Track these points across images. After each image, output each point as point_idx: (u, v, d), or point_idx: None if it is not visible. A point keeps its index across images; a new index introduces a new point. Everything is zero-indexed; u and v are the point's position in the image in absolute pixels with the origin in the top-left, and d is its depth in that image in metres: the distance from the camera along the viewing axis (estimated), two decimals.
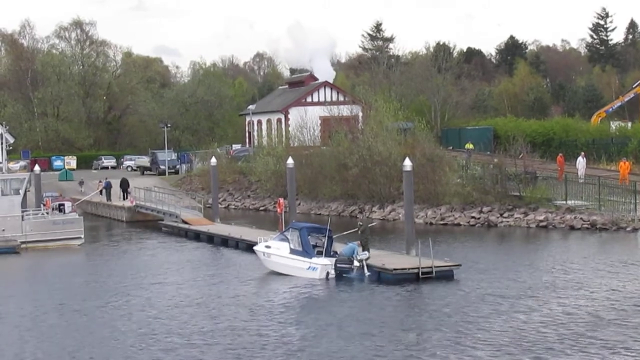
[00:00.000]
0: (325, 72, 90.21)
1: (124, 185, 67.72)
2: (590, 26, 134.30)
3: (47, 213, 50.41)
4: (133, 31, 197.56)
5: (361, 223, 37.78)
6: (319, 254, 34.97)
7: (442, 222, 52.49)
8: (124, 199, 66.73)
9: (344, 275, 34.41)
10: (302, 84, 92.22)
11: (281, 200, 46.43)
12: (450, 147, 72.63)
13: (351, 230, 38.83)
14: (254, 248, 38.15)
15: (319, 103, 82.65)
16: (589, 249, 41.03)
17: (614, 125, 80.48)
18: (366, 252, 35.02)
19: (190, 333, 25.99)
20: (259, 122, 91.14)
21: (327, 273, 34.40)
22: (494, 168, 54.11)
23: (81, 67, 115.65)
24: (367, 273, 34.30)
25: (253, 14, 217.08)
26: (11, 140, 55.81)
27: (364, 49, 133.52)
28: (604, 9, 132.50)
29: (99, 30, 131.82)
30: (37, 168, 60.39)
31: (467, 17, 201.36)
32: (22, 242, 47.20)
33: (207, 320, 27.72)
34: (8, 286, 36.46)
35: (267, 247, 36.90)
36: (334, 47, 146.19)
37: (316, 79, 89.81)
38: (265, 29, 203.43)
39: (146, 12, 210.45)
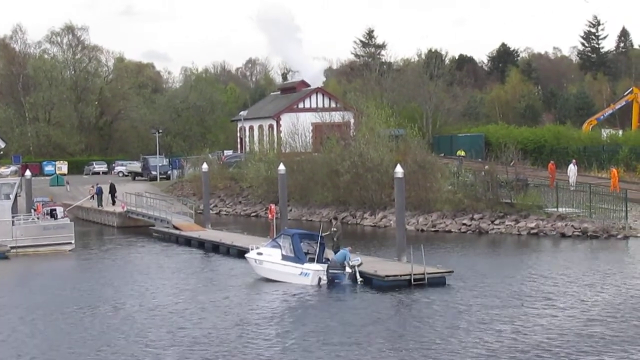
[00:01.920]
0: (297, 59, 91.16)
1: (112, 190, 67.86)
2: (582, 34, 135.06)
3: (38, 218, 50.24)
4: (122, 36, 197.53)
5: (335, 229, 38.74)
6: (311, 260, 34.93)
7: (433, 229, 52.48)
8: (112, 203, 66.78)
9: (336, 281, 34.38)
10: (293, 90, 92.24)
11: (272, 206, 46.33)
12: (442, 154, 72.77)
13: (326, 233, 38.56)
14: (246, 256, 38.03)
15: (310, 109, 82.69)
16: (580, 257, 41.03)
17: (605, 132, 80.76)
18: (358, 258, 35.02)
19: (170, 340, 25.83)
20: (251, 128, 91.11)
21: (319, 279, 34.36)
22: (486, 175, 54.13)
23: (73, 72, 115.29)
24: (359, 279, 34.28)
25: (249, 16, 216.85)
26: (2, 145, 55.84)
27: (356, 55, 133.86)
28: (595, 17, 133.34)
29: (90, 35, 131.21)
30: (28, 173, 60.25)
31: (459, 24, 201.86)
32: (12, 247, 47.01)
33: (190, 328, 27.45)
34: None
35: (259, 254, 36.84)
36: (297, 30, 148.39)
37: (308, 85, 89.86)
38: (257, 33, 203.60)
39: (135, 17, 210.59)
